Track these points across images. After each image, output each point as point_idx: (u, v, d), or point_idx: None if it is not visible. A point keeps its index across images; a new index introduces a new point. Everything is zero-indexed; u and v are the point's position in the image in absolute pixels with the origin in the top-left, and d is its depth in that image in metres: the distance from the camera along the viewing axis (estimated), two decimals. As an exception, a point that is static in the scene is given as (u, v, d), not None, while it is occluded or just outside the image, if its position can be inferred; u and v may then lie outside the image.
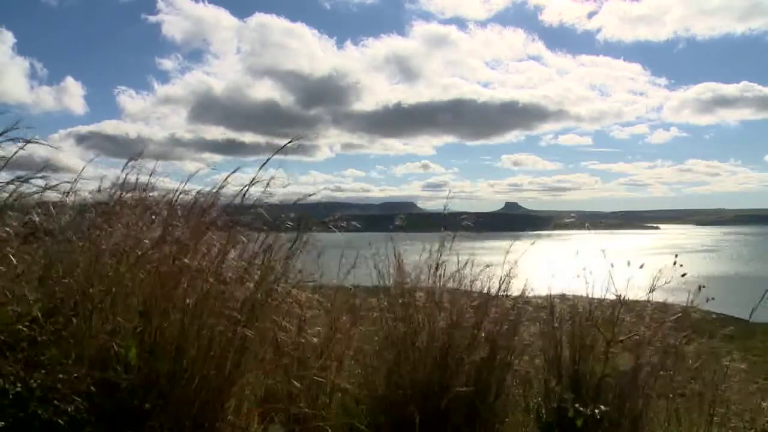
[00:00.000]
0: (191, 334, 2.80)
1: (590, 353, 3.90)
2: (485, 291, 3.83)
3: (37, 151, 3.20)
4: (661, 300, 4.17)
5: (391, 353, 3.64)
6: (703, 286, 4.09)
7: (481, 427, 3.53)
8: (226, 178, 3.26)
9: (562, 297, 4.26)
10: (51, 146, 3.18)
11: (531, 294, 4.10)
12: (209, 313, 2.84)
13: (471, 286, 3.91)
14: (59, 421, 2.42)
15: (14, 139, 2.98)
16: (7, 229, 2.93)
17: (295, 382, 3.34)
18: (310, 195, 3.42)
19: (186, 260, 2.90)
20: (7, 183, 3.07)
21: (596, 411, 3.49)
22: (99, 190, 3.50)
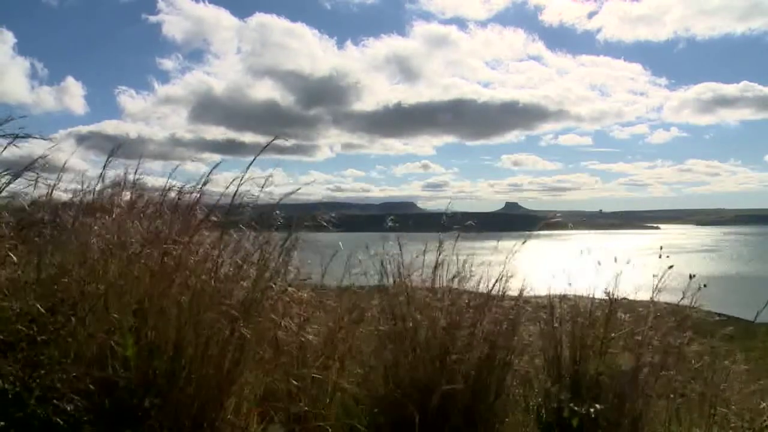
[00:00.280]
0: (188, 333, 2.80)
1: (590, 353, 3.89)
2: (484, 291, 3.82)
3: (36, 150, 3.20)
4: (661, 300, 4.17)
5: (390, 353, 3.64)
6: (704, 285, 4.09)
7: (481, 427, 3.52)
8: (207, 174, 3.27)
9: (562, 297, 4.26)
10: (43, 138, 3.15)
11: (530, 294, 4.10)
12: (205, 311, 2.83)
13: (470, 285, 3.91)
14: (58, 420, 2.42)
15: (7, 135, 2.97)
16: (5, 227, 2.93)
17: (295, 381, 3.33)
18: (298, 189, 3.40)
19: (180, 256, 2.90)
20: (2, 177, 3.06)
21: (591, 410, 3.49)
22: (97, 189, 3.50)
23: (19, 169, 3.11)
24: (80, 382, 2.52)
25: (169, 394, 2.73)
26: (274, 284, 3.15)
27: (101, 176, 3.55)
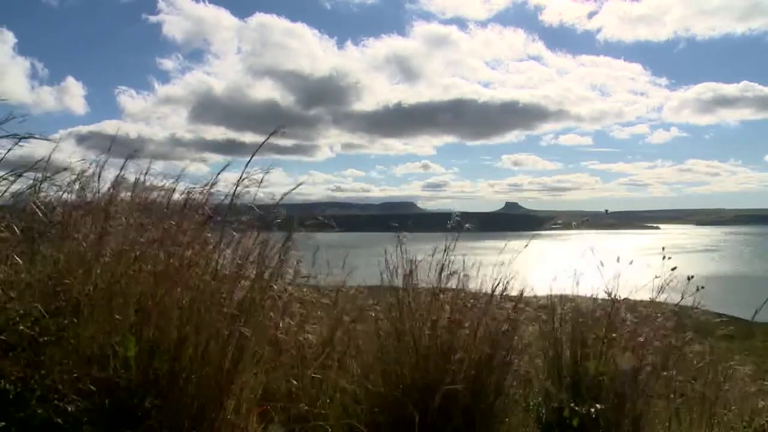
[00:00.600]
0: (189, 333, 2.80)
1: (590, 353, 3.89)
2: (485, 291, 3.83)
3: (37, 150, 3.20)
4: (662, 300, 4.17)
5: (390, 352, 3.64)
6: (702, 287, 4.09)
7: (481, 427, 3.53)
8: (216, 175, 3.27)
9: (562, 297, 4.26)
10: (46, 139, 3.15)
11: (531, 294, 4.10)
12: (206, 311, 2.83)
13: (471, 285, 3.91)
14: (59, 420, 2.42)
15: (10, 135, 2.97)
16: (6, 229, 2.93)
17: (295, 381, 3.34)
18: (299, 185, 3.39)
19: (182, 256, 2.90)
20: (3, 178, 3.06)
21: (592, 410, 3.49)
22: (97, 190, 3.51)
23: (19, 168, 3.11)
24: (81, 382, 2.52)
25: (169, 394, 2.73)
26: (274, 284, 3.15)
27: (101, 176, 3.55)
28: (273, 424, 3.18)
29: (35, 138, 3.05)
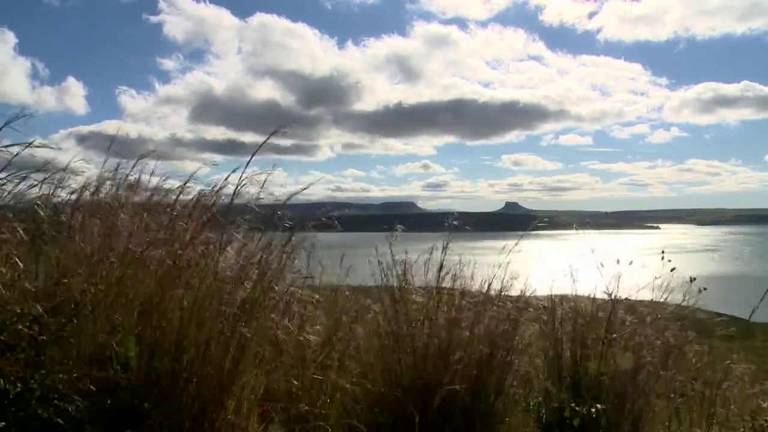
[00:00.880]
0: (190, 333, 2.80)
1: (591, 353, 3.89)
2: (484, 290, 3.83)
3: (38, 150, 3.20)
4: (662, 300, 4.17)
5: (390, 352, 3.64)
6: (704, 288, 4.09)
7: (481, 427, 3.53)
8: (225, 179, 3.26)
9: (562, 297, 4.26)
10: (51, 147, 3.16)
11: (531, 294, 4.10)
12: (207, 311, 2.83)
13: (470, 285, 3.91)
14: (59, 420, 2.42)
15: (20, 144, 2.98)
16: (7, 230, 2.93)
17: (295, 381, 3.34)
18: (303, 189, 3.38)
19: (184, 257, 2.90)
20: (6, 181, 3.07)
21: (593, 410, 3.49)
22: (98, 190, 3.51)
23: (22, 170, 3.11)
24: (81, 382, 2.52)
25: (169, 395, 2.73)
26: (275, 285, 3.15)
27: (101, 176, 3.55)
28: (273, 424, 3.18)
29: (37, 147, 3.05)
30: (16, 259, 2.79)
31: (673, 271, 3.99)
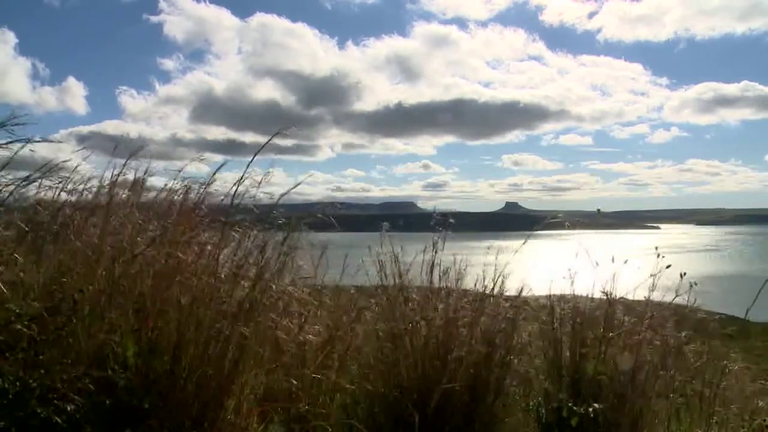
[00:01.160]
0: (189, 333, 2.80)
1: (590, 353, 3.89)
2: (482, 290, 3.83)
3: (38, 150, 3.20)
4: (660, 299, 4.17)
5: (389, 352, 3.64)
6: (695, 283, 4.08)
7: (480, 427, 3.53)
8: (213, 174, 3.27)
9: (561, 297, 4.26)
10: (51, 141, 3.15)
11: (530, 294, 4.10)
12: (206, 311, 2.83)
13: (469, 285, 3.91)
14: (58, 420, 2.42)
15: (18, 140, 2.98)
16: (8, 231, 2.94)
17: (295, 381, 3.34)
18: (298, 184, 3.38)
19: (181, 256, 2.90)
20: (7, 184, 3.07)
21: (591, 410, 3.48)
22: (96, 189, 3.51)
23: (20, 169, 3.12)
24: (80, 382, 2.52)
25: (169, 394, 2.73)
26: (274, 284, 3.15)
27: (102, 176, 3.55)
28: (273, 424, 3.18)
29: (37, 141, 3.05)
30: (16, 257, 2.79)
31: (669, 268, 3.99)
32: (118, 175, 3.45)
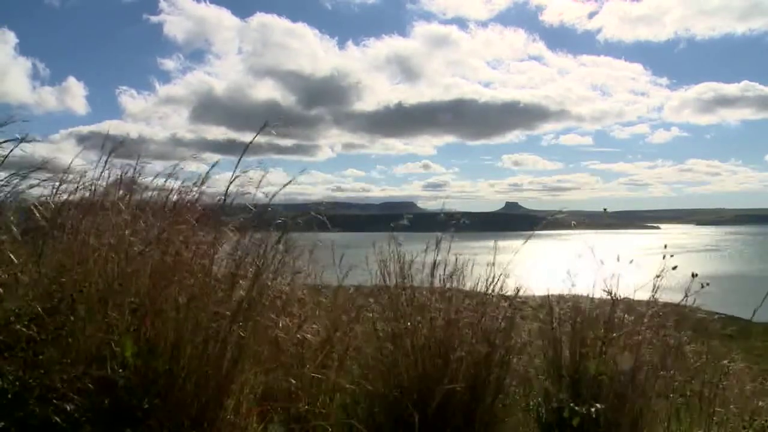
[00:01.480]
0: (187, 333, 2.80)
1: (590, 353, 3.89)
2: (482, 290, 3.83)
3: (38, 150, 3.20)
4: (661, 299, 4.16)
5: (389, 352, 3.64)
6: (707, 283, 4.07)
7: (480, 426, 3.52)
8: (206, 173, 3.27)
9: (561, 297, 4.25)
10: (43, 140, 3.16)
11: (529, 293, 4.09)
12: (203, 310, 2.83)
13: (469, 285, 3.91)
14: (58, 419, 2.42)
15: (10, 140, 2.98)
16: (10, 229, 2.93)
17: (294, 381, 3.33)
18: (291, 180, 3.36)
19: (178, 255, 2.90)
20: (5, 181, 3.07)
21: (591, 410, 3.48)
22: (94, 189, 3.50)
23: (19, 169, 3.11)
24: (80, 381, 2.52)
25: (168, 394, 2.73)
26: (270, 283, 3.14)
27: (101, 176, 3.55)
28: (273, 424, 3.18)
29: (37, 140, 3.05)
30: (14, 258, 2.79)
31: (675, 269, 3.98)
32: (119, 175, 3.46)
